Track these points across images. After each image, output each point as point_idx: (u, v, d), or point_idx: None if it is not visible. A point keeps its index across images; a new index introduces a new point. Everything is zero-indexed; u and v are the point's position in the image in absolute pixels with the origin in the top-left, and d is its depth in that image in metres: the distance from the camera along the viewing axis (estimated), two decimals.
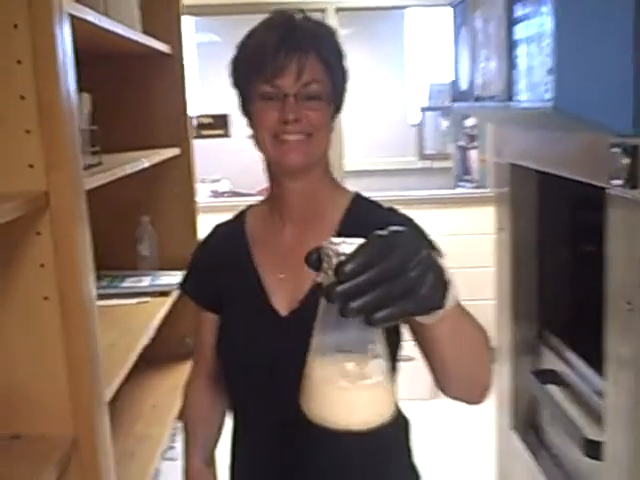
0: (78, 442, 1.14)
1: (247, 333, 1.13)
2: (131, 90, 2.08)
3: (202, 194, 4.26)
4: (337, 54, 1.13)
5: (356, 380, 0.68)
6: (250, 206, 1.26)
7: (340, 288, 0.62)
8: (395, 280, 0.63)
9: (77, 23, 1.25)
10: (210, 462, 1.29)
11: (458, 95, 1.67)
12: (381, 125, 4.96)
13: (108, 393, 1.27)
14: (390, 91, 5.02)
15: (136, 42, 1.61)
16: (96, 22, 1.31)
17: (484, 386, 0.93)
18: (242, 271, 1.16)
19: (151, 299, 1.88)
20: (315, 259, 0.68)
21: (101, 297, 1.90)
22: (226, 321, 1.19)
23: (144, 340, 1.61)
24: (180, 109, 2.13)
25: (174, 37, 2.08)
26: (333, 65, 1.10)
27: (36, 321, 1.10)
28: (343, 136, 3.91)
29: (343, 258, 0.63)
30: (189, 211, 2.22)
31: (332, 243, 0.67)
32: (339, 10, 3.71)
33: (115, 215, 2.17)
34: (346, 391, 0.69)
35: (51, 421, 1.13)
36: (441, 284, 0.69)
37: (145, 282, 2.00)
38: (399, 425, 1.19)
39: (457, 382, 0.90)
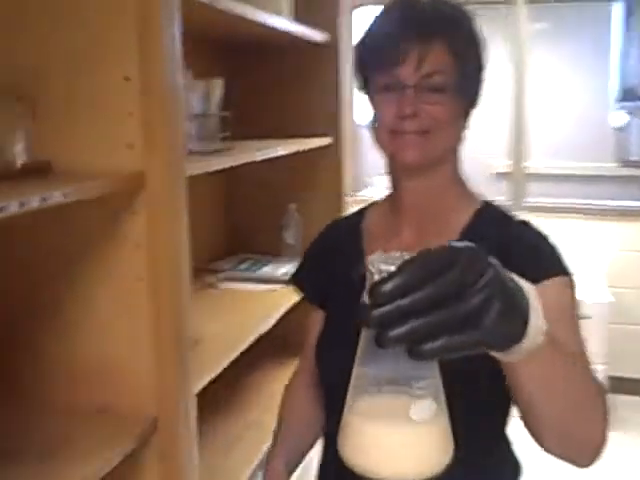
0: (158, 424, 1.15)
1: (344, 337, 1.06)
2: (287, 78, 2.09)
3: (382, 187, 4.22)
4: (470, 42, 1.02)
5: (394, 424, 0.58)
6: (373, 202, 1.19)
7: (375, 312, 0.52)
8: (449, 306, 0.53)
9: (205, 9, 1.26)
10: (291, 471, 1.22)
11: (624, 94, 1.46)
12: (576, 127, 4.58)
13: (201, 379, 1.28)
14: (590, 91, 4.62)
15: (274, 29, 1.59)
16: (223, 7, 1.31)
17: (592, 448, 0.78)
18: (351, 270, 1.10)
19: (281, 287, 1.88)
20: (360, 275, 0.59)
21: (234, 280, 1.96)
22: (327, 320, 1.13)
23: (262, 328, 1.61)
24: (334, 99, 2.11)
25: (335, 26, 2.06)
26: (464, 54, 0.99)
27: (129, 301, 1.13)
28: (528, 137, 3.66)
29: (385, 275, 0.54)
30: (337, 202, 2.19)
31: (380, 257, 0.57)
32: (531, 2, 3.42)
33: (265, 200, 2.22)
34: (381, 437, 0.58)
35: (136, 399, 1.15)
36: (515, 315, 0.58)
37: (283, 270, 2.01)
38: (508, 469, 1.07)
39: (552, 438, 0.76)
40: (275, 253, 2.15)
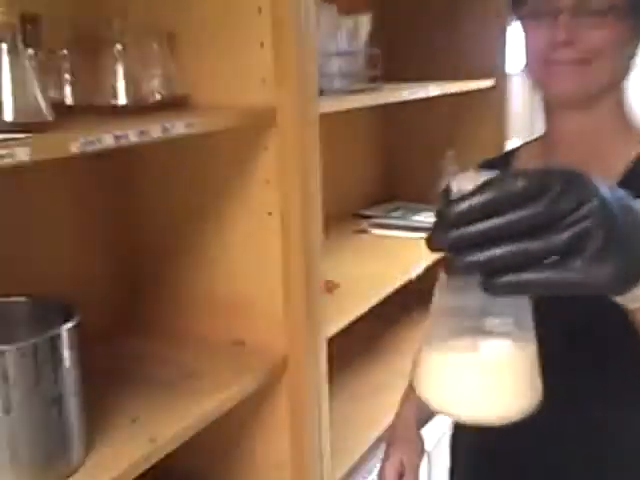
0: (288, 363, 1.15)
1: None
2: (444, 13, 1.98)
3: None
4: None
5: (459, 362, 0.54)
6: (526, 143, 1.10)
7: (443, 234, 0.47)
8: (534, 237, 0.46)
9: None
10: (423, 423, 1.17)
11: None
12: None
13: (335, 323, 1.27)
14: None
15: None
16: None
17: None
18: None
19: None
20: (442, 196, 0.53)
21: (385, 227, 1.92)
22: None
23: (405, 277, 1.56)
24: (499, 37, 1.96)
25: None
26: None
27: (259, 237, 1.12)
28: None
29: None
30: (499, 149, 2.06)
31: (466, 176, 0.50)
32: None
33: (423, 146, 2.15)
34: (445, 373, 0.55)
35: (266, 335, 1.16)
36: (623, 257, 0.48)
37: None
38: None
39: None
40: (431, 201, 2.08)
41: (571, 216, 0.46)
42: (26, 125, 0.73)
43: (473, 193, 0.46)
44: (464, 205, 0.46)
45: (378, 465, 1.13)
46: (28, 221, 1.12)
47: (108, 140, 0.76)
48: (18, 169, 0.68)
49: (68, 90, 1.00)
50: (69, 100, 1.01)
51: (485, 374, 0.53)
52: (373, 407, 1.55)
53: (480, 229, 0.46)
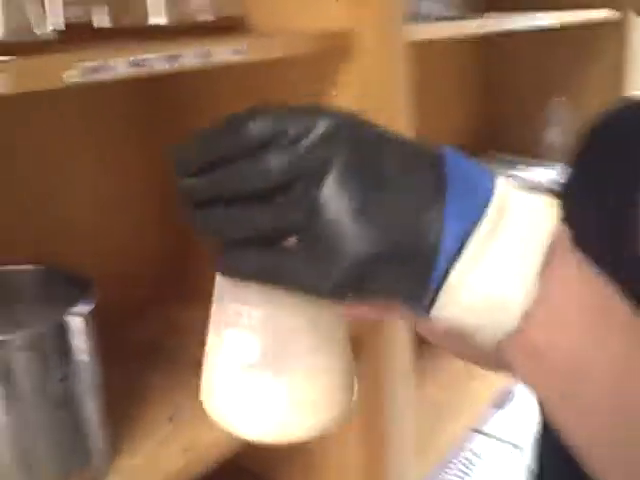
0: (362, 344, 0.95)
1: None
2: None
3: None
4: None
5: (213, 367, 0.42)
6: None
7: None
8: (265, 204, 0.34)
9: None
10: None
11: None
12: None
13: None
14: None
15: None
16: None
17: None
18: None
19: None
20: None
21: None
22: None
23: None
24: None
25: None
26: None
27: None
28: None
29: None
30: (618, 96, 1.75)
31: None
32: None
33: (529, 89, 1.87)
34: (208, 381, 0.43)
35: None
36: (388, 248, 0.33)
37: (537, 175, 1.69)
38: None
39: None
40: (533, 154, 1.82)
41: (301, 180, 0.33)
42: (14, 46, 0.55)
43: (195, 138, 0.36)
44: (180, 152, 0.36)
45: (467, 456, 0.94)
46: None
47: (119, 67, 0.57)
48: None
49: (96, 9, 0.82)
50: (98, 21, 0.82)
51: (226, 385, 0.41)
52: (464, 395, 1.33)
53: (197, 183, 0.36)
